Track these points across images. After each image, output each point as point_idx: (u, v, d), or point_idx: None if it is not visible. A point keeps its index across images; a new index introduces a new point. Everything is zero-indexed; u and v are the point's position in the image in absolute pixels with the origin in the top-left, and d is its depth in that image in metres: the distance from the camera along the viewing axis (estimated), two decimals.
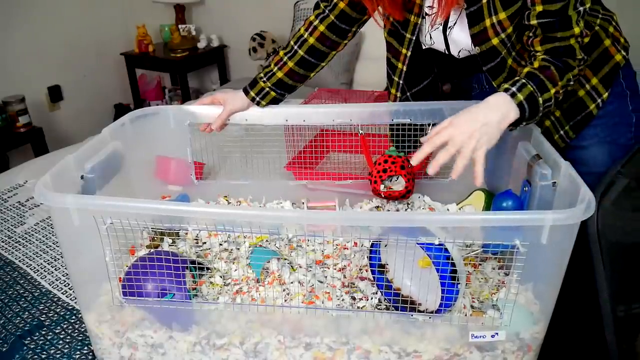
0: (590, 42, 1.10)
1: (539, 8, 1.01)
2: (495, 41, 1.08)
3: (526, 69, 1.03)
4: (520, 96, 0.98)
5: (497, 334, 0.94)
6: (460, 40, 1.15)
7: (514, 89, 0.99)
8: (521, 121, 1.01)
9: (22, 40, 3.06)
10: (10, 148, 2.91)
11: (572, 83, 1.05)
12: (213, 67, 3.69)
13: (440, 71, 1.32)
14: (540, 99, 1.00)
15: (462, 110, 0.98)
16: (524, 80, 1.00)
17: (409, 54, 1.24)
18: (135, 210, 0.92)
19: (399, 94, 1.31)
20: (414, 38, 1.21)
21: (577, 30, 1.01)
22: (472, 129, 0.94)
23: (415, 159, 0.95)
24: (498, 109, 0.97)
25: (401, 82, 1.29)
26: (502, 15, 1.05)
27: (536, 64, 1.03)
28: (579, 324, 1.21)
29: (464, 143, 0.93)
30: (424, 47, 1.24)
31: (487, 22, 1.06)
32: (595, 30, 1.14)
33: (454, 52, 1.19)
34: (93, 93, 3.54)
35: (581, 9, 1.01)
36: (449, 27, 1.15)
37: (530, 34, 1.06)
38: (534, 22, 1.03)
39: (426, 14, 1.17)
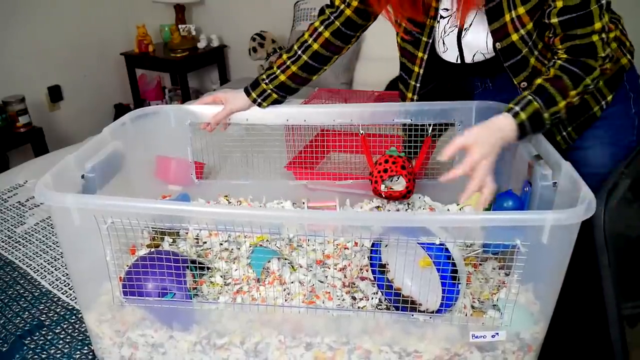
0: None
1: (559, 4, 1.00)
2: (514, 37, 1.07)
3: (538, 80, 1.02)
4: (523, 115, 0.99)
5: (497, 334, 0.94)
6: (476, 43, 1.14)
7: (517, 108, 0.99)
8: (524, 136, 1.01)
9: (22, 40, 3.06)
10: (10, 148, 2.91)
11: (591, 87, 1.03)
12: (213, 67, 3.69)
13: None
14: (547, 114, 1.00)
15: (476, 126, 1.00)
16: (530, 97, 1.00)
17: (425, 57, 1.23)
18: (135, 209, 0.92)
19: (415, 97, 1.31)
20: (430, 41, 1.21)
21: (598, 25, 1.00)
22: (488, 150, 0.96)
23: (446, 154, 0.97)
24: (500, 131, 0.98)
25: (417, 85, 1.28)
26: (521, 10, 1.04)
27: (551, 72, 1.02)
28: (583, 324, 1.21)
29: (479, 163, 0.96)
30: (440, 54, 1.23)
31: (507, 17, 1.06)
32: None
33: (467, 57, 1.17)
34: (93, 93, 3.54)
35: (604, 2, 1.00)
36: (464, 29, 1.14)
37: (550, 34, 1.05)
38: (554, 20, 1.02)
39: (441, 16, 1.16)
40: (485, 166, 0.96)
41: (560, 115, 1.03)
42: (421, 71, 1.25)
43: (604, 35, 1.02)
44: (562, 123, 1.20)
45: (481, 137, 0.97)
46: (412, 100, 1.32)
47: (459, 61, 1.19)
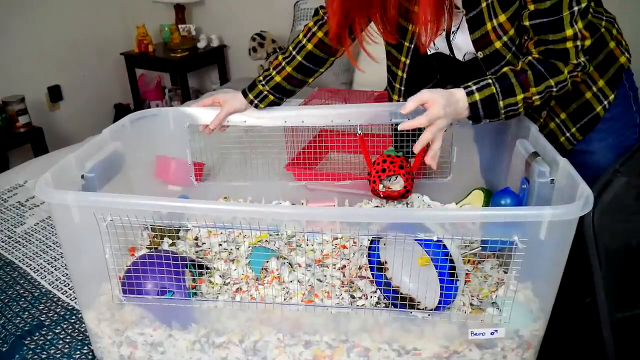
0: (597, 44, 1.09)
1: (531, 7, 1.00)
2: (498, 44, 1.07)
3: (505, 69, 1.03)
4: (477, 96, 1.00)
5: (496, 331, 0.94)
6: (464, 46, 1.14)
7: (474, 87, 1.01)
8: (477, 119, 1.02)
9: (22, 40, 3.06)
10: (10, 148, 2.91)
11: (555, 90, 1.03)
12: (213, 67, 3.69)
13: (443, 77, 1.31)
14: (502, 103, 1.01)
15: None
16: (490, 81, 1.01)
17: (407, 61, 1.24)
18: (135, 206, 0.92)
19: (401, 100, 1.32)
20: (412, 46, 1.21)
21: (569, 32, 0.99)
22: (444, 112, 0.98)
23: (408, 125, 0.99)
24: (455, 104, 1.00)
25: (402, 88, 1.29)
26: (502, 18, 1.04)
27: (519, 65, 1.03)
28: (578, 323, 1.21)
29: (436, 117, 0.98)
30: (429, 53, 1.24)
31: (489, 26, 1.06)
32: (601, 32, 1.13)
33: (458, 56, 1.18)
34: (93, 93, 3.55)
35: (576, 9, 0.98)
36: (452, 32, 1.14)
37: (526, 37, 1.05)
38: (526, 23, 1.02)
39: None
40: (442, 122, 0.98)
41: (518, 109, 1.02)
42: (404, 75, 1.26)
43: (578, 43, 1.01)
44: (565, 124, 1.19)
45: (440, 101, 0.98)
46: (398, 102, 1.32)
47: (453, 56, 1.20)
